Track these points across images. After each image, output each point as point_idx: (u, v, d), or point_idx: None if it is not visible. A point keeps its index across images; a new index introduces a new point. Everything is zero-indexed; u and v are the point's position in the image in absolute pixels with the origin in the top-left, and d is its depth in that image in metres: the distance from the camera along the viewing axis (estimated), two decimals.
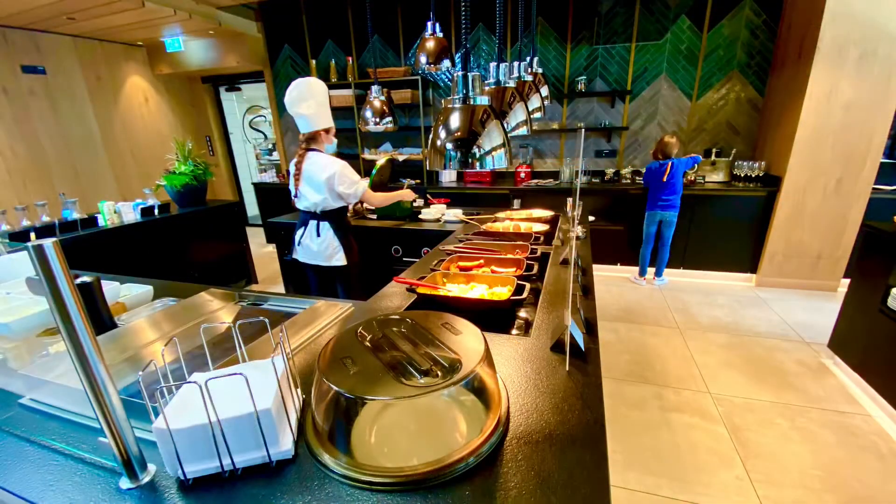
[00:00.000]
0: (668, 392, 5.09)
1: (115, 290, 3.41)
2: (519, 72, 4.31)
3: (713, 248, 7.94)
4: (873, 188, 7.25)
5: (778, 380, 5.26)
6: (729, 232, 7.77)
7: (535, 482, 2.04)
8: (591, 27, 8.35)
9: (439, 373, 2.17)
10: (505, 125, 2.87)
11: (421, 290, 3.41)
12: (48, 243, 1.83)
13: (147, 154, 10.49)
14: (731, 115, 8.20)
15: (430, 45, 4.62)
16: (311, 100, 4.64)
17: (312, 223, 5.02)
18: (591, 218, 8.26)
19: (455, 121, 2.56)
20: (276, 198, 10.81)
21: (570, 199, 4.87)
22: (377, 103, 5.42)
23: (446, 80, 9.40)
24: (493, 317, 3.28)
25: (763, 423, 4.63)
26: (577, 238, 4.52)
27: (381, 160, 6.12)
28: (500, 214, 5.66)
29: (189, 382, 2.17)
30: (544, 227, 5.00)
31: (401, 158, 9.81)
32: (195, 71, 10.45)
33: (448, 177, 9.69)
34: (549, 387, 2.48)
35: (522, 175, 9.10)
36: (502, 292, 3.42)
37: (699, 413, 4.78)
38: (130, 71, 10.15)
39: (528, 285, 3.35)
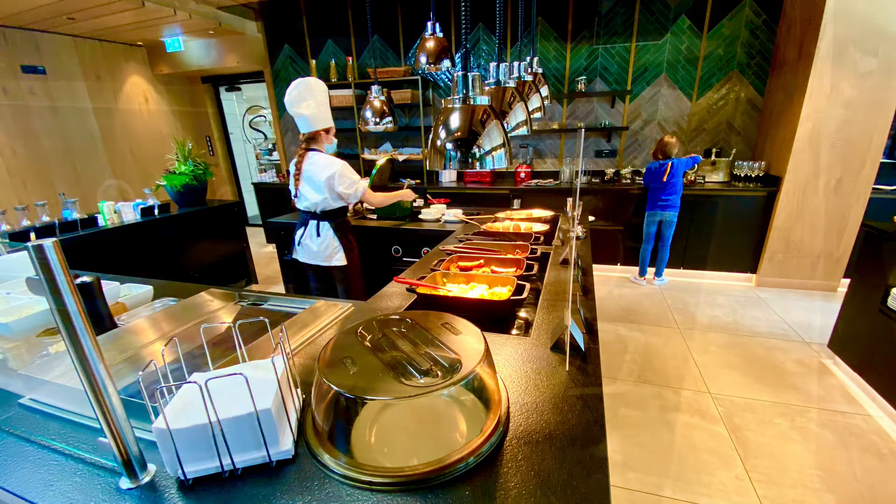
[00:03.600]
0: (668, 392, 5.10)
1: (115, 290, 3.41)
2: (519, 72, 4.30)
3: (713, 248, 7.94)
4: (873, 188, 7.25)
5: (778, 380, 5.26)
6: (729, 232, 7.78)
7: (535, 482, 2.04)
8: (591, 27, 8.35)
9: (439, 373, 2.17)
10: (505, 125, 2.86)
11: (421, 290, 3.41)
12: (48, 243, 1.83)
13: (147, 154, 10.50)
14: (731, 115, 8.19)
15: (430, 45, 4.62)
16: (310, 100, 4.64)
17: (312, 223, 5.01)
18: (591, 218, 8.26)
19: (455, 121, 2.56)
20: (276, 198, 10.81)
21: (569, 199, 4.85)
22: (377, 103, 5.42)
23: (446, 80, 9.40)
24: (493, 317, 3.28)
25: (763, 422, 4.63)
26: (577, 238, 4.51)
27: (381, 160, 6.12)
28: (500, 214, 5.66)
29: (189, 382, 2.17)
30: (544, 227, 5.00)
31: (401, 158, 9.82)
32: (195, 71, 10.45)
33: (448, 177, 9.69)
34: (549, 387, 2.49)
35: (522, 175, 9.09)
36: (502, 292, 3.42)
37: (699, 413, 4.78)
38: (130, 71, 10.15)
39: (527, 285, 3.35)
